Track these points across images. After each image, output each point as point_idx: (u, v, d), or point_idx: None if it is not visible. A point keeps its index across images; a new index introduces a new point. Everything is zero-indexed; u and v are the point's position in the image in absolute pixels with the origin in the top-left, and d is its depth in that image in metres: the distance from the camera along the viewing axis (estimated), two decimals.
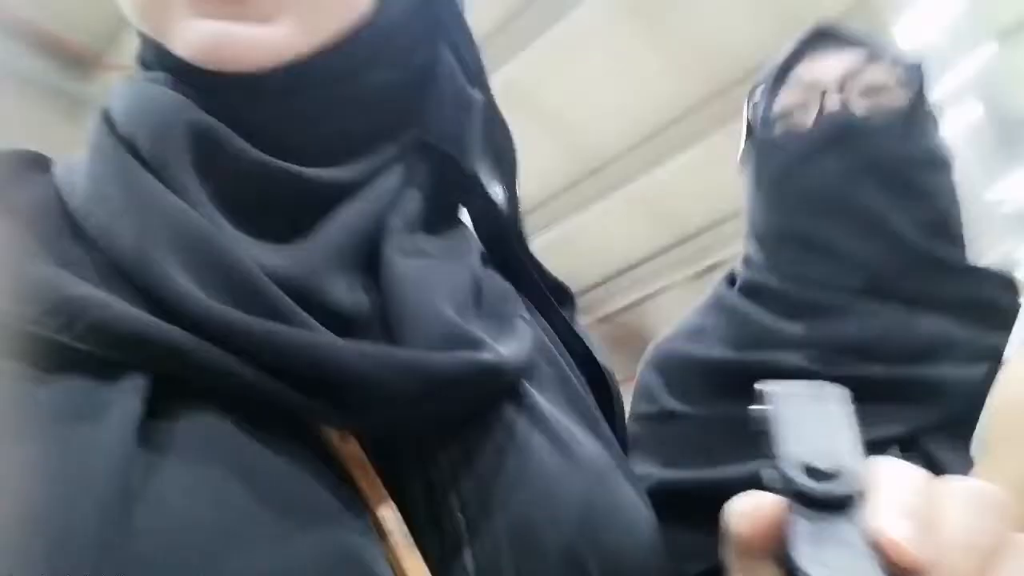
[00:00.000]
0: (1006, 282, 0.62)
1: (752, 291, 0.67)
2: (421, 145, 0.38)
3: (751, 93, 0.71)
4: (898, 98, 0.64)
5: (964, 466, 0.49)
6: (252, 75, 0.33)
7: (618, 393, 0.44)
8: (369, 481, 0.29)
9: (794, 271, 0.64)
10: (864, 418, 0.40)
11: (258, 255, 0.31)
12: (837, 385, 0.28)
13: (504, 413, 0.33)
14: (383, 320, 0.33)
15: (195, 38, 0.32)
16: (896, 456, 0.41)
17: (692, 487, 0.57)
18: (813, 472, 0.23)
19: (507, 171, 0.42)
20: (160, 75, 0.34)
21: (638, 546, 0.34)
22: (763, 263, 0.68)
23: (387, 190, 0.36)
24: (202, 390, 0.27)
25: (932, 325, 0.59)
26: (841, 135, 0.62)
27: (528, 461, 0.33)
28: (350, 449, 0.29)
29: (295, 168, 0.33)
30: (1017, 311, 0.57)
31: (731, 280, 0.72)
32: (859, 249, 0.61)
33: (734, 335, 0.64)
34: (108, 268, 0.29)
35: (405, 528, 0.29)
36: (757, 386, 0.28)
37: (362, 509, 0.28)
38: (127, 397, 0.26)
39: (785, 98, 0.66)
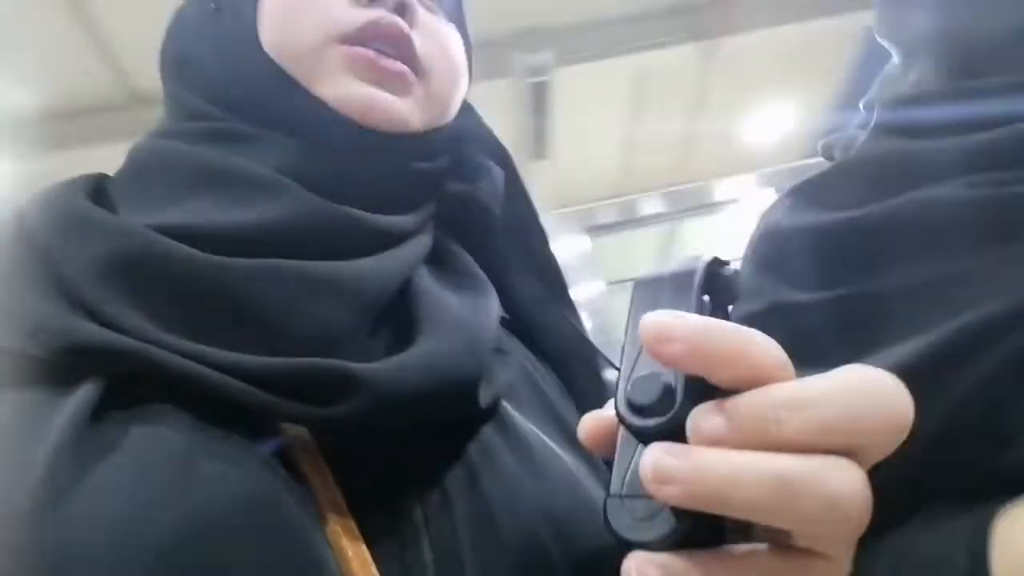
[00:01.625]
0: None
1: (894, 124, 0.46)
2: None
3: None
4: None
5: None
6: (385, 135, 0.41)
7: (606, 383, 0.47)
8: (321, 477, 0.31)
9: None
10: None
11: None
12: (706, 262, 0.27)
13: (478, 430, 0.37)
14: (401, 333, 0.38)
15: (355, 97, 0.41)
16: None
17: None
18: (635, 408, 0.24)
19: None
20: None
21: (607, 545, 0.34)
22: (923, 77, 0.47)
23: (427, 238, 0.44)
24: (158, 394, 0.30)
25: None
26: None
27: (493, 469, 0.35)
28: (301, 441, 0.32)
29: (370, 216, 0.40)
30: None
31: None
32: None
33: (871, 184, 0.43)
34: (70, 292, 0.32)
35: (351, 520, 0.31)
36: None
37: (311, 504, 0.30)
38: (76, 401, 0.28)
39: None
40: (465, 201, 0.47)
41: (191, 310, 0.33)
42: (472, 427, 0.37)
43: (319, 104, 0.40)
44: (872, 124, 0.47)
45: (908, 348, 0.37)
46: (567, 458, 0.39)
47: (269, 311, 0.34)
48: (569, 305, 0.50)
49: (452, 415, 0.36)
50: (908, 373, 0.24)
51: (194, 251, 0.34)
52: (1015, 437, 0.34)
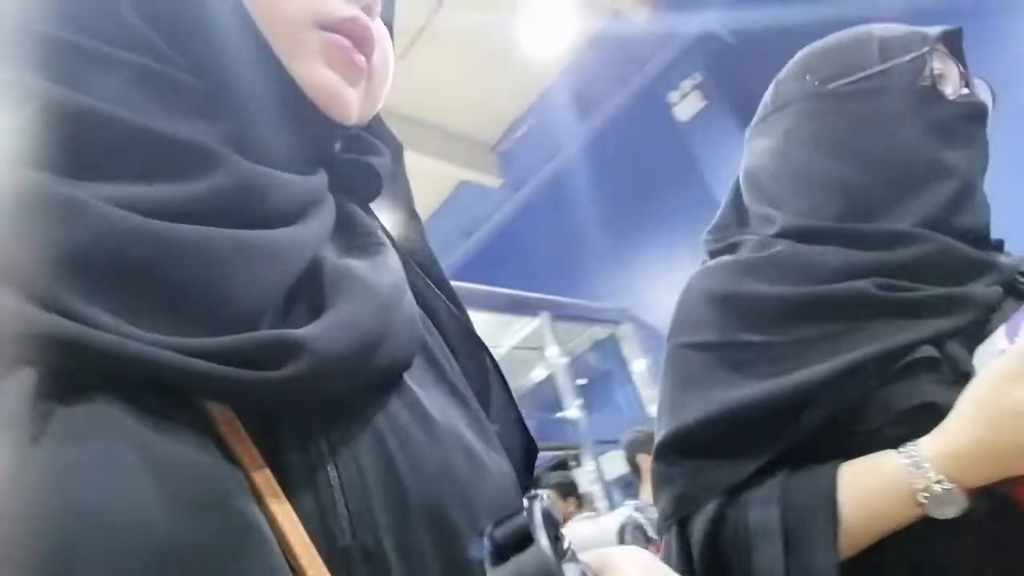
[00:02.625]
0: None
1: (808, 235, 0.74)
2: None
3: (814, 64, 0.80)
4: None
5: (969, 361, 0.62)
6: (330, 123, 0.43)
7: (491, 358, 0.50)
8: (244, 446, 0.32)
9: (860, 211, 0.73)
10: (906, 327, 0.63)
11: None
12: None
13: (384, 399, 0.39)
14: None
15: (326, 83, 0.41)
16: (930, 353, 0.62)
17: (770, 397, 0.64)
18: None
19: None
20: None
21: (496, 493, 0.40)
22: (811, 211, 0.75)
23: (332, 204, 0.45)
24: (93, 380, 0.30)
25: (969, 252, 0.69)
26: (982, 113, 0.75)
27: (398, 435, 0.37)
28: (226, 418, 0.33)
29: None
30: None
31: (731, 245, 0.81)
32: (935, 192, 0.71)
33: (797, 271, 0.71)
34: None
35: (275, 483, 0.32)
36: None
37: (236, 467, 0.32)
38: (14, 387, 0.28)
39: (935, 63, 0.75)
40: (363, 167, 0.48)
41: (136, 285, 0.33)
42: (378, 397, 0.39)
43: (291, 83, 0.41)
44: (776, 234, 0.76)
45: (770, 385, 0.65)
46: (462, 427, 0.42)
47: (213, 281, 0.34)
48: (447, 290, 0.51)
49: (370, 376, 0.38)
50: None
51: (147, 220, 0.33)
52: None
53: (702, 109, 5.12)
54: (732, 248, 0.81)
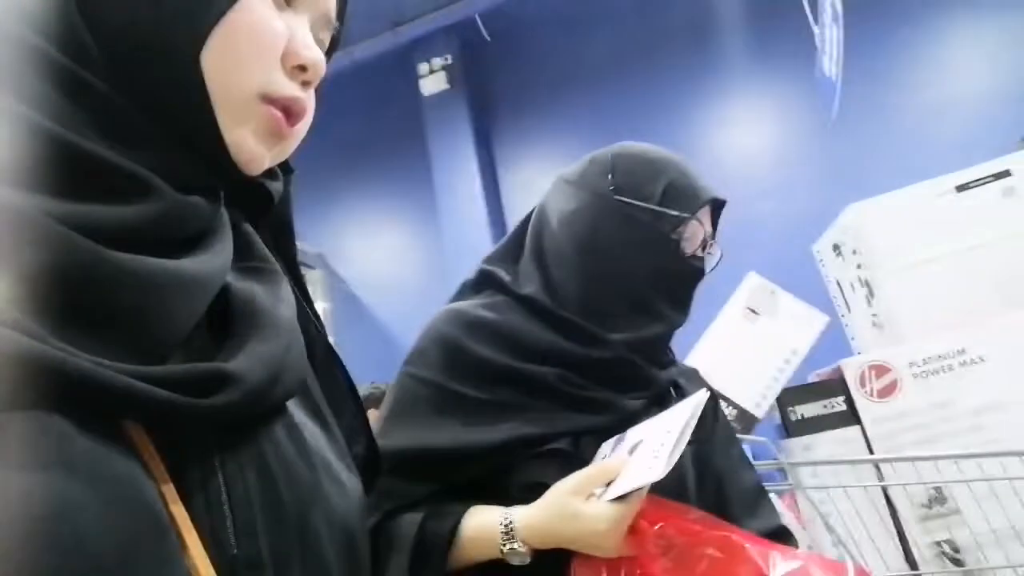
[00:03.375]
0: (689, 370, 1.05)
1: (542, 313, 0.93)
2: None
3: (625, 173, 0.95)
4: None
5: (592, 455, 0.85)
6: (241, 173, 0.47)
7: (346, 374, 0.58)
8: (154, 461, 0.37)
9: (589, 307, 0.92)
10: (562, 417, 0.88)
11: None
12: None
13: (268, 421, 0.45)
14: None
15: (249, 151, 0.46)
16: (563, 445, 0.87)
17: (456, 448, 0.86)
18: None
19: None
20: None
21: (349, 507, 0.48)
22: (560, 286, 0.94)
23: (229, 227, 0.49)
24: (40, 394, 0.32)
25: (639, 366, 0.92)
26: (701, 275, 0.97)
27: (277, 455, 0.44)
28: (140, 437, 0.37)
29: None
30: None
31: (495, 282, 0.98)
32: (642, 328, 0.93)
33: (509, 342, 0.91)
34: None
35: (177, 496, 0.37)
36: None
37: (148, 478, 0.36)
38: None
39: (692, 226, 0.94)
40: (257, 187, 0.51)
41: (86, 309, 0.36)
42: (265, 420, 0.45)
43: (219, 143, 0.44)
44: (523, 296, 0.95)
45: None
46: (326, 449, 0.49)
47: (149, 308, 0.38)
48: (312, 308, 0.57)
49: (268, 404, 0.44)
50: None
51: (107, 250, 0.36)
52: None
53: (445, 91, 5.31)
54: (487, 286, 0.99)
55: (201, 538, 0.37)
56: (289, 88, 0.46)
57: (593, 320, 0.92)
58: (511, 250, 1.02)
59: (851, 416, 1.51)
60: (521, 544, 0.78)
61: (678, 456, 0.71)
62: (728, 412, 1.41)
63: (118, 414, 0.36)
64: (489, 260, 1.02)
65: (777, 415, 1.54)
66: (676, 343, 1.01)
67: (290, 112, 0.47)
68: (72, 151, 0.38)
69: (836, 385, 1.53)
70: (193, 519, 0.37)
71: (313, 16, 0.50)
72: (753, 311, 1.48)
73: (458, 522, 0.81)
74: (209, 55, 0.43)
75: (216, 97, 0.43)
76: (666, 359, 0.99)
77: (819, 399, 1.54)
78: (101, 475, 0.33)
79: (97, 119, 0.40)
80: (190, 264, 0.41)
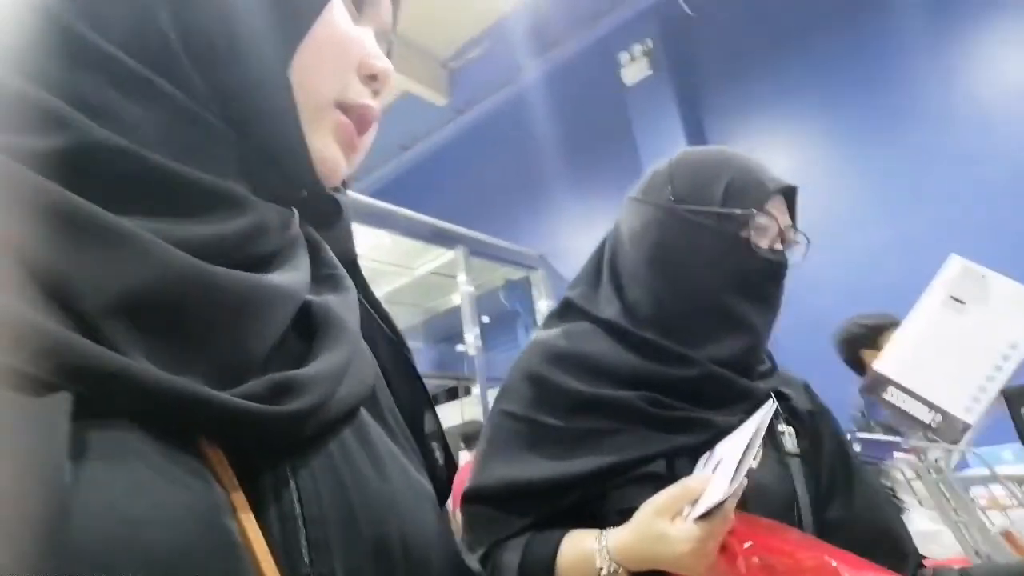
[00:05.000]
0: (797, 380, 1.00)
1: (620, 333, 0.91)
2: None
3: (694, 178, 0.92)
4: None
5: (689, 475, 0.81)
6: (320, 186, 0.47)
7: (423, 387, 0.56)
8: (228, 476, 0.37)
9: (664, 323, 0.90)
10: (654, 440, 0.86)
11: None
12: None
13: (339, 432, 0.44)
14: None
15: (331, 158, 0.46)
16: (658, 469, 0.85)
17: (550, 479, 0.86)
18: None
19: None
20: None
21: (425, 520, 0.47)
22: (634, 305, 0.93)
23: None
24: (109, 407, 0.33)
25: (731, 380, 0.89)
26: (782, 273, 0.92)
27: (350, 467, 0.43)
28: (216, 454, 0.37)
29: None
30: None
31: (576, 309, 0.97)
32: (725, 341, 0.90)
33: (592, 369, 0.90)
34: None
35: (251, 511, 0.37)
36: None
37: (221, 491, 0.36)
38: (54, 411, 0.30)
39: (760, 220, 0.90)
40: (327, 199, 0.52)
41: (177, 323, 0.36)
42: (336, 431, 0.44)
43: (304, 149, 0.44)
44: (601, 320, 0.94)
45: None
46: (404, 457, 0.48)
47: (241, 322, 0.39)
48: (383, 313, 0.56)
49: (337, 413, 0.43)
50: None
51: (205, 264, 0.37)
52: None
53: (648, 77, 5.19)
54: (569, 313, 0.99)
55: (272, 553, 0.36)
56: (364, 95, 0.48)
57: (675, 337, 0.89)
58: (591, 275, 1.00)
59: None
60: (617, 566, 0.77)
61: (744, 472, 0.67)
62: (932, 419, 1.21)
63: (191, 423, 0.36)
64: (571, 286, 1.01)
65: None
66: None
67: (363, 120, 0.48)
68: (161, 170, 0.38)
69: None
70: (264, 532, 0.37)
71: (376, 29, 0.51)
72: (958, 300, 1.26)
73: (557, 547, 0.82)
74: (297, 66, 0.43)
75: (301, 107, 0.44)
76: (764, 368, 0.95)
77: None
78: (172, 487, 0.34)
79: (184, 132, 0.40)
80: (277, 278, 0.42)
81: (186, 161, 0.39)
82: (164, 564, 0.31)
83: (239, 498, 0.36)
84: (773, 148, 4.92)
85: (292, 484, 0.40)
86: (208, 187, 0.40)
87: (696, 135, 5.16)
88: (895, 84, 4.46)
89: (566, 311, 1.00)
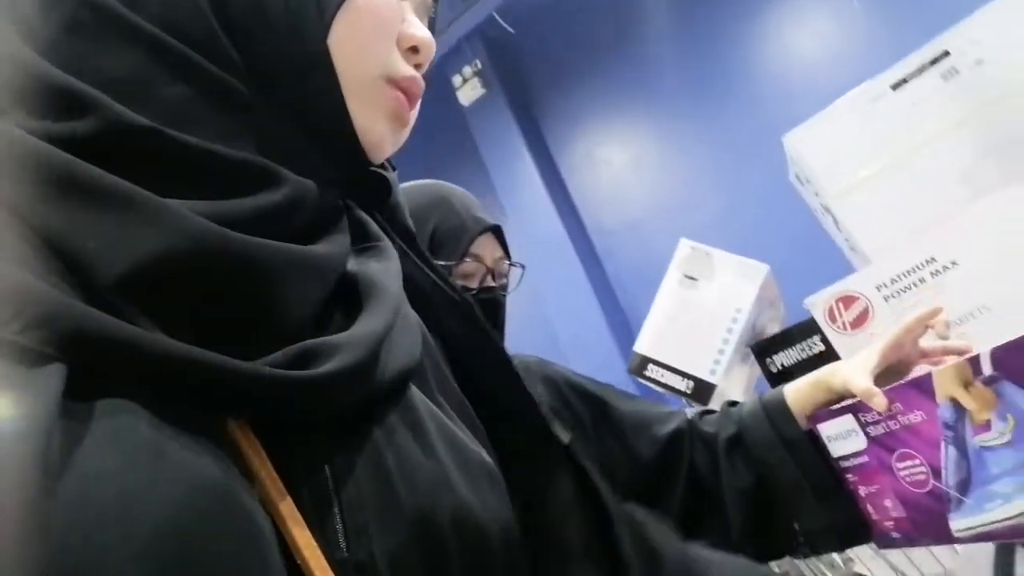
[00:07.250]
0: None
1: None
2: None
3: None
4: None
5: None
6: (367, 163, 0.47)
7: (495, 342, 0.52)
8: (258, 457, 0.34)
9: None
10: None
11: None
12: None
13: (381, 409, 0.41)
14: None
15: (377, 133, 0.45)
16: None
17: None
18: None
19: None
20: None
21: (482, 502, 0.41)
22: None
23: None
24: (114, 380, 0.31)
25: None
26: (500, 305, 0.97)
27: (392, 447, 0.40)
28: (244, 433, 0.35)
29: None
30: None
31: None
32: None
33: None
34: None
35: (281, 485, 0.34)
36: None
37: (244, 471, 0.33)
38: (48, 378, 0.28)
39: (464, 268, 0.93)
40: (379, 178, 0.51)
41: (206, 292, 0.34)
42: (378, 408, 0.40)
43: (350, 126, 0.43)
44: None
45: None
46: (459, 431, 0.45)
47: (273, 293, 0.37)
48: (448, 282, 0.53)
49: (378, 383, 0.40)
50: None
51: (236, 234, 0.35)
52: None
53: (482, 96, 5.38)
54: None
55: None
56: (407, 68, 0.47)
57: None
58: None
59: (831, 355, 1.43)
60: None
61: None
62: (687, 386, 1.38)
63: (209, 397, 0.33)
64: None
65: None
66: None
67: (409, 93, 0.47)
68: (196, 150, 0.37)
69: (809, 325, 1.45)
70: (297, 495, 0.35)
71: (415, 1, 0.50)
72: (691, 277, 1.44)
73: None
74: (335, 38, 0.42)
75: (344, 81, 0.43)
76: None
77: (794, 344, 1.47)
78: (177, 462, 0.31)
79: (221, 110, 0.39)
80: (312, 248, 0.41)
81: (223, 140, 0.38)
82: (161, 539, 0.28)
83: (269, 476, 0.34)
84: (608, 146, 5.21)
85: (326, 464, 0.37)
86: (244, 164, 0.38)
87: (537, 144, 5.38)
88: (707, 71, 4.81)
89: None
